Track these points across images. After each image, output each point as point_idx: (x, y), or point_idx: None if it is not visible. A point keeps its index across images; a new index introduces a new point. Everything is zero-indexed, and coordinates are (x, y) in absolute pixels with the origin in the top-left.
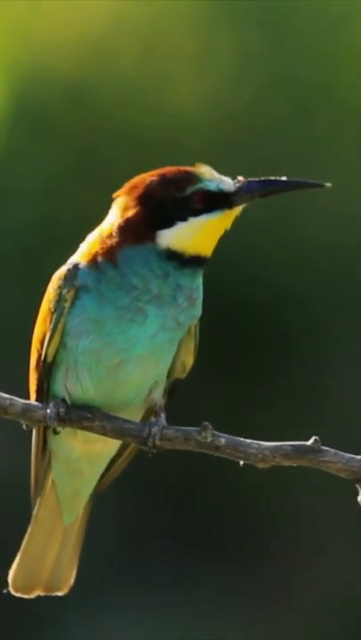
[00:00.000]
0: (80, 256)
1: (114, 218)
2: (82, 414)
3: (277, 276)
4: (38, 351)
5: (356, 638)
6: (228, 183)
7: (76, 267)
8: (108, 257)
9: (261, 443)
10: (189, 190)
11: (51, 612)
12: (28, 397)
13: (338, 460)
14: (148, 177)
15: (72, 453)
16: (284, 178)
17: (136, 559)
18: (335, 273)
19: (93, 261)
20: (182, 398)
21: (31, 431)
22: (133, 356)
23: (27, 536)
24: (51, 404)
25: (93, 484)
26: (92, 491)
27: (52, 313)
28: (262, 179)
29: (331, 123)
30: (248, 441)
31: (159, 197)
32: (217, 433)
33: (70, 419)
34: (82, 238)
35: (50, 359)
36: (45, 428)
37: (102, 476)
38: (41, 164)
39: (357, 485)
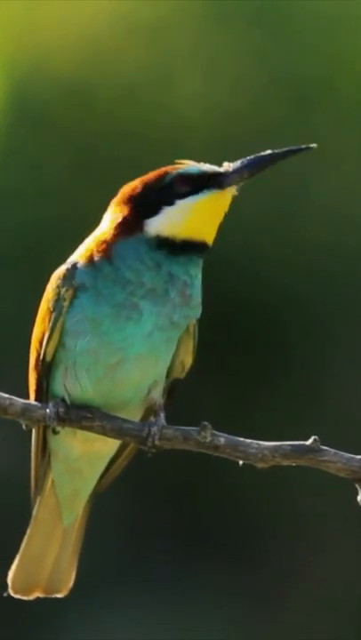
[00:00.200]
0: (78, 255)
1: (107, 219)
2: (81, 414)
3: (277, 276)
4: (37, 351)
5: (357, 638)
6: (211, 167)
7: (74, 266)
8: (104, 254)
9: (261, 442)
10: (169, 178)
11: (51, 611)
12: (27, 397)
13: (337, 459)
14: (135, 181)
15: (72, 453)
16: (269, 151)
17: (136, 559)
18: (335, 273)
19: (90, 260)
20: (182, 398)
21: (31, 431)
22: (131, 356)
23: (26, 537)
24: (50, 404)
25: (93, 484)
26: (92, 491)
27: (51, 312)
28: (249, 157)
29: (331, 123)
30: (247, 441)
31: (142, 191)
32: (216, 433)
33: (70, 418)
34: (82, 238)
35: (49, 359)
36: (45, 428)
37: (102, 476)
38: (41, 164)
39: (357, 485)
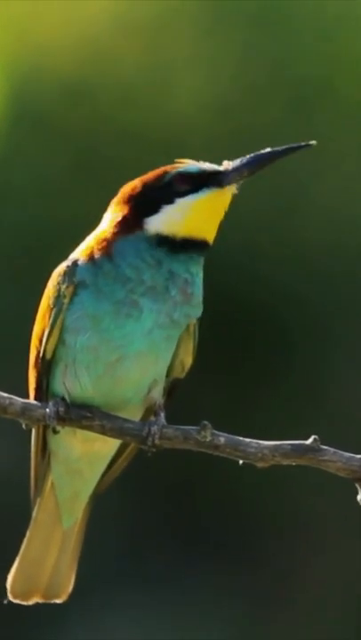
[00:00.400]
0: (79, 253)
1: (107, 219)
2: (81, 413)
3: (277, 276)
4: (37, 348)
5: (357, 638)
6: (211, 165)
7: (75, 263)
8: (104, 251)
9: (261, 442)
10: (168, 177)
11: (51, 612)
12: (27, 397)
13: (337, 459)
14: (134, 181)
15: (72, 453)
16: (268, 149)
17: (136, 559)
18: (335, 273)
19: (91, 257)
20: (181, 397)
21: (31, 431)
22: (131, 353)
23: (25, 540)
24: (50, 403)
25: (93, 486)
26: (92, 493)
27: (52, 309)
28: (248, 155)
29: (331, 122)
30: (247, 440)
31: (142, 190)
32: (216, 432)
33: (70, 418)
34: (82, 238)
35: (49, 356)
36: (45, 428)
37: (101, 477)
38: (41, 164)
39: (357, 485)
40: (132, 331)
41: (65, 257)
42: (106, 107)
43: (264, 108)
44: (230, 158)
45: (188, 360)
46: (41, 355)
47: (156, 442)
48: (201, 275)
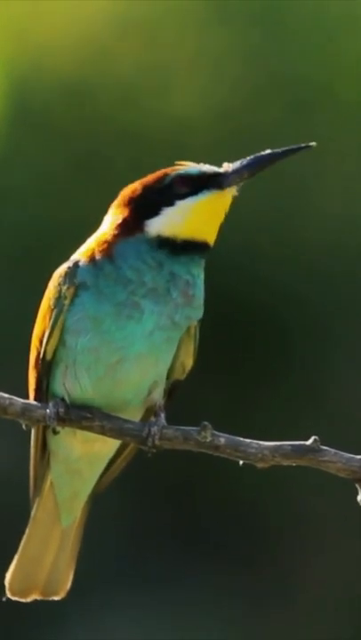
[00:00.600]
0: (80, 254)
1: (108, 221)
2: (81, 414)
3: (277, 276)
4: (37, 349)
5: (357, 638)
6: (211, 167)
7: (76, 264)
8: (105, 253)
9: (261, 442)
10: (168, 179)
11: (50, 611)
12: (27, 397)
13: (337, 459)
14: (134, 184)
15: (71, 453)
16: (268, 150)
17: (136, 559)
18: (335, 273)
19: (92, 259)
20: (182, 398)
21: (31, 431)
22: (132, 355)
23: (24, 538)
24: (50, 404)
25: (92, 486)
26: (91, 492)
27: (52, 310)
28: (248, 157)
29: (331, 122)
30: (247, 440)
31: (142, 193)
32: (216, 433)
33: (70, 418)
34: (82, 238)
35: (49, 357)
36: (45, 428)
37: (100, 477)
38: (41, 164)
39: (357, 485)
40: (133, 332)
41: (65, 257)
42: (106, 107)
43: (264, 109)
44: (230, 160)
45: (189, 362)
46: (41, 355)
47: (157, 442)
48: (202, 276)
